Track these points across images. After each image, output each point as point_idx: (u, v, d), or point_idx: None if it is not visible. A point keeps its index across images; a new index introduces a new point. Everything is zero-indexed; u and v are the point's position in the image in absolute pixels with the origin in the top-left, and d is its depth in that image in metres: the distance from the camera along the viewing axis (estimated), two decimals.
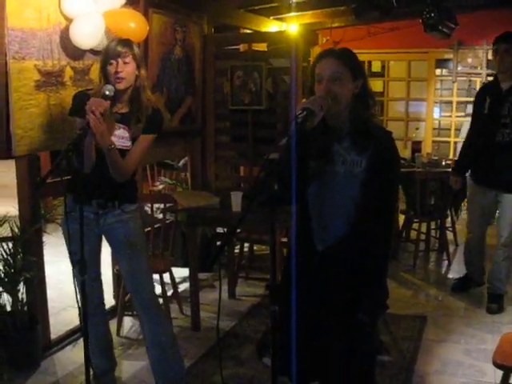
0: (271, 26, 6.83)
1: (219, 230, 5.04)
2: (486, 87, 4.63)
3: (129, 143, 2.84)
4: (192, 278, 4.08)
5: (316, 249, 2.27)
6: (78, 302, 2.52)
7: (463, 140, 4.83)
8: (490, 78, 7.35)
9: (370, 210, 2.17)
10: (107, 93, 2.66)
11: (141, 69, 2.81)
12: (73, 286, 2.55)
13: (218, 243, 5.12)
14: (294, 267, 2.21)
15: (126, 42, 2.79)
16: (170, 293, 4.27)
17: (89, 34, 3.43)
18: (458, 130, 8.20)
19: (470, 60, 7.65)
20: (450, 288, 4.86)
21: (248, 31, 6.42)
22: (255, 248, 5.40)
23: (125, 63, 2.73)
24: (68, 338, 3.84)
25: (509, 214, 4.27)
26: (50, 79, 3.49)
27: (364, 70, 2.24)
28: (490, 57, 7.42)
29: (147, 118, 2.85)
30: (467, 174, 4.67)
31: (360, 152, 2.15)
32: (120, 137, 2.82)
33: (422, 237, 5.71)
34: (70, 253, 2.86)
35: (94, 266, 2.99)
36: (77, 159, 2.48)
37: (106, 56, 2.75)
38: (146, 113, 2.83)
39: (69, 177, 3.01)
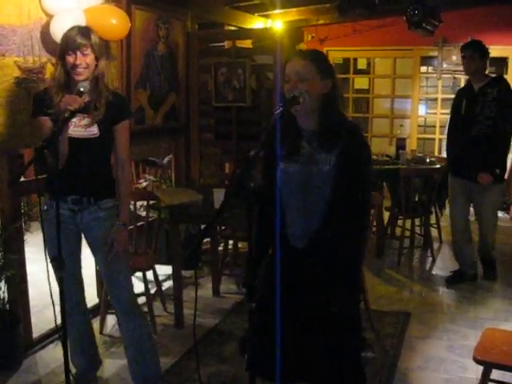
0: (256, 22, 6.81)
1: (203, 227, 5.02)
2: (462, 89, 4.93)
3: (95, 130, 2.81)
4: (175, 275, 4.06)
5: (292, 246, 2.28)
6: (52, 301, 2.53)
7: (446, 142, 5.11)
8: None
9: (342, 207, 2.19)
10: (82, 89, 2.65)
11: (100, 58, 2.80)
12: (55, 284, 2.53)
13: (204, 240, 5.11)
14: (277, 265, 2.21)
15: (85, 32, 2.76)
16: (153, 290, 4.25)
17: None
18: (443, 127, 8.23)
19: (454, 57, 7.67)
20: (445, 280, 4.94)
21: (232, 28, 6.40)
22: (240, 245, 5.39)
23: (84, 55, 2.72)
24: (50, 336, 3.81)
25: (485, 201, 4.68)
26: (30, 76, 3.46)
27: (333, 71, 2.25)
28: None
29: (115, 106, 2.84)
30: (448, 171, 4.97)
31: (328, 150, 2.18)
32: (85, 126, 2.80)
33: (407, 233, 5.72)
34: (48, 252, 2.81)
35: (72, 264, 2.94)
36: (52, 156, 2.46)
37: (66, 46, 2.73)
38: (106, 100, 2.81)
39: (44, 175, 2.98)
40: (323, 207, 2.22)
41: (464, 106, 4.62)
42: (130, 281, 3.07)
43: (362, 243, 2.33)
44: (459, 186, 4.78)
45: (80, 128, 2.79)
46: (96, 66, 2.78)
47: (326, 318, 2.24)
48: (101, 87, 2.82)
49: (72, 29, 2.79)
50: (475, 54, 4.50)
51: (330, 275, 2.23)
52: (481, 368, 2.65)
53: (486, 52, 4.57)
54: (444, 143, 7.89)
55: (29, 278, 3.69)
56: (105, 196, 2.93)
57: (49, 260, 2.82)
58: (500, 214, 6.02)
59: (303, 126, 2.25)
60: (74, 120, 2.71)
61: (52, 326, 3.78)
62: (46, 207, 2.84)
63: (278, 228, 2.23)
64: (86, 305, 3.18)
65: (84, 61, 2.72)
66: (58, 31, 3.38)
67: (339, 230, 2.21)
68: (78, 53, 2.70)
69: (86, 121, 2.80)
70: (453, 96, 8.07)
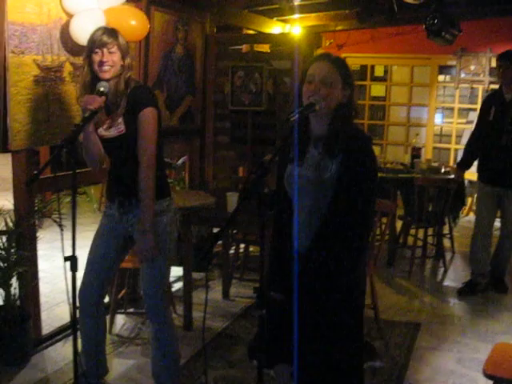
0: (274, 27, 6.82)
1: (216, 229, 5.03)
2: (491, 96, 4.93)
3: (122, 127, 2.79)
4: (186, 277, 4.07)
5: (297, 251, 2.29)
6: (68, 297, 2.49)
7: (468, 140, 5.23)
8: (493, 86, 7.42)
9: (340, 215, 2.16)
10: (102, 89, 2.65)
11: (126, 58, 2.79)
12: (72, 279, 2.50)
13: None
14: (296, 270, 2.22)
15: (112, 32, 2.77)
16: None
17: (89, 30, 3.38)
18: (459, 136, 8.19)
19: (472, 67, 7.64)
20: (457, 292, 4.91)
21: (251, 32, 6.41)
22: (251, 249, 5.38)
23: (110, 53, 2.72)
24: (60, 333, 3.82)
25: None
26: (49, 74, 3.49)
27: (354, 83, 2.24)
28: (493, 64, 7.44)
29: (133, 97, 2.77)
30: (476, 178, 5.09)
31: (331, 157, 2.16)
32: (111, 125, 2.80)
33: (419, 243, 5.69)
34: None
35: (101, 264, 2.94)
36: (70, 156, 2.46)
37: (92, 44, 2.73)
38: (126, 94, 2.77)
39: (65, 172, 3.00)
40: (324, 213, 2.20)
41: (493, 113, 4.68)
42: (163, 287, 3.00)
43: (358, 254, 2.26)
44: (488, 194, 4.81)
45: (110, 128, 2.80)
46: (122, 65, 2.77)
47: (324, 325, 2.25)
48: (123, 87, 2.77)
49: (98, 29, 2.80)
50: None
51: (327, 282, 2.22)
52: (490, 382, 2.62)
53: None
54: (459, 153, 7.88)
55: (41, 274, 3.71)
56: None
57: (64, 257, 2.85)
58: None
59: (314, 130, 2.24)
60: (107, 121, 2.77)
61: (62, 323, 3.84)
62: (105, 210, 2.99)
63: (296, 233, 2.23)
64: (102, 306, 3.09)
65: (110, 58, 2.71)
66: (77, 31, 3.42)
67: (337, 236, 2.19)
68: (105, 50, 2.71)
69: (110, 120, 2.81)
70: (471, 106, 8.17)
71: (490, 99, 4.86)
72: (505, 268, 5.01)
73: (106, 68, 2.71)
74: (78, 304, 2.63)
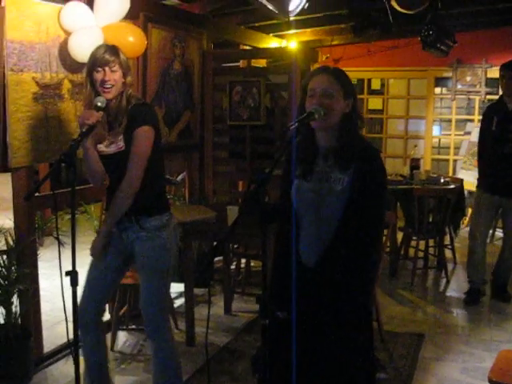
0: (271, 42, 6.87)
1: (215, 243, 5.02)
2: (492, 107, 4.97)
3: (121, 144, 2.80)
4: (187, 293, 4.05)
5: (304, 264, 2.25)
6: (66, 318, 2.48)
7: (466, 156, 5.25)
8: (489, 97, 7.46)
9: (353, 228, 2.15)
10: (99, 104, 2.65)
11: (127, 76, 2.79)
12: (70, 299, 2.47)
13: (216, 259, 5.10)
14: (293, 281, 2.20)
15: (114, 50, 2.77)
16: None
17: (87, 47, 3.41)
18: (457, 148, 8.21)
19: (468, 78, 7.69)
20: (463, 302, 4.90)
21: (248, 47, 6.45)
22: (252, 264, 5.37)
23: (112, 71, 2.73)
24: (61, 351, 3.80)
25: None
26: (47, 92, 3.50)
27: (355, 91, 2.25)
28: (489, 75, 7.50)
29: (132, 114, 2.78)
30: (475, 186, 5.07)
31: (342, 170, 2.16)
32: (111, 142, 2.81)
33: (421, 254, 5.68)
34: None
35: (101, 280, 2.93)
36: (69, 171, 2.45)
37: (94, 62, 2.73)
38: (125, 111, 2.77)
39: (65, 189, 2.99)
40: (334, 227, 2.19)
41: (495, 123, 4.71)
42: (158, 302, 2.95)
43: (372, 266, 2.29)
44: (488, 202, 4.80)
45: (111, 145, 2.81)
46: (123, 83, 2.78)
47: (336, 338, 2.21)
48: (125, 104, 2.78)
49: (100, 47, 2.82)
50: None
51: (338, 297, 2.19)
52: None
53: None
54: (458, 164, 7.91)
55: (42, 293, 3.70)
56: (146, 214, 2.83)
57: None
58: None
59: (321, 142, 2.24)
60: (108, 138, 2.78)
61: (63, 341, 3.81)
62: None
63: (294, 246, 2.21)
64: (102, 323, 3.08)
65: (112, 77, 2.72)
66: (75, 48, 3.44)
67: (349, 250, 2.17)
68: (107, 69, 2.71)
69: (110, 137, 2.82)
70: (468, 117, 8.21)
71: (492, 109, 4.89)
72: (508, 277, 5.00)
73: (107, 86, 2.72)
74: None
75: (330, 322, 2.21)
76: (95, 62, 2.73)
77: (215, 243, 4.96)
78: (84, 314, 2.91)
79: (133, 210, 2.80)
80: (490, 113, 4.86)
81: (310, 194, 2.22)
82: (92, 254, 2.88)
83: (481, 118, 5.14)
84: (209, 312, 2.43)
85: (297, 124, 2.01)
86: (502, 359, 2.71)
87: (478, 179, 5.04)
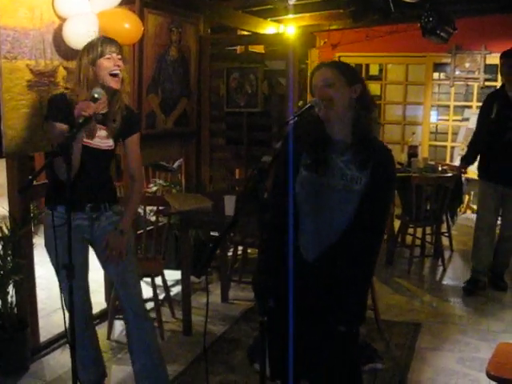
0: (269, 27, 6.79)
1: (213, 232, 5.00)
2: (493, 95, 4.93)
3: (111, 142, 2.83)
4: (184, 281, 4.03)
5: (304, 259, 2.24)
6: (62, 306, 2.51)
7: (463, 142, 5.25)
8: (488, 83, 7.42)
9: (362, 226, 2.15)
10: (96, 95, 2.59)
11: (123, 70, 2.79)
12: (68, 287, 2.44)
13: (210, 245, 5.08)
14: (290, 275, 2.18)
15: (117, 43, 2.76)
16: (161, 296, 4.23)
17: (82, 34, 3.37)
18: (455, 134, 8.18)
19: (467, 64, 7.63)
20: (463, 291, 4.89)
21: (245, 32, 6.38)
22: (249, 251, 5.36)
23: (120, 59, 2.71)
24: (58, 341, 3.80)
25: None
26: (42, 79, 3.45)
27: (360, 76, 2.24)
28: (487, 61, 7.44)
29: (127, 120, 2.84)
30: (477, 175, 5.08)
31: (360, 168, 2.13)
32: (102, 137, 2.79)
33: (418, 242, 5.68)
34: (56, 264, 2.83)
35: (83, 275, 2.96)
36: (65, 163, 2.40)
37: (102, 50, 2.66)
38: (122, 114, 2.81)
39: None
40: (344, 223, 2.17)
41: (495, 111, 4.66)
42: (139, 283, 3.05)
43: (374, 263, 2.31)
44: (491, 191, 4.80)
45: (98, 139, 2.78)
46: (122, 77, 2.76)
47: (331, 334, 2.22)
48: (123, 99, 2.80)
49: (100, 37, 2.82)
50: None
51: (337, 292, 2.19)
52: (493, 382, 2.59)
53: None
54: (456, 151, 7.87)
55: (37, 280, 3.69)
56: (114, 201, 2.98)
57: (54, 269, 2.87)
58: None
59: (332, 134, 2.18)
60: (101, 131, 2.77)
61: (60, 330, 3.80)
62: (61, 221, 2.57)
63: (291, 239, 2.18)
64: (92, 316, 3.15)
65: (121, 64, 2.71)
66: (70, 35, 3.38)
67: (355, 246, 2.17)
68: (115, 55, 2.68)
69: (103, 132, 2.79)
70: (466, 103, 8.16)
71: (492, 97, 4.85)
72: (505, 266, 5.00)
73: (117, 73, 2.68)
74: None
75: (328, 320, 2.22)
76: (103, 49, 2.66)
77: (213, 233, 4.96)
78: (77, 308, 2.91)
79: (105, 198, 2.90)
80: (490, 101, 4.80)
81: (321, 188, 2.17)
82: (117, 255, 2.86)
83: (479, 104, 5.10)
84: (207, 302, 2.41)
85: (296, 118, 1.97)
86: (500, 352, 2.70)
87: (479, 168, 5.01)
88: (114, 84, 2.70)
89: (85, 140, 2.72)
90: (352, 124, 2.15)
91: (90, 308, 3.08)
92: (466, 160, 5.16)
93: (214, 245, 1.82)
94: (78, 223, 2.83)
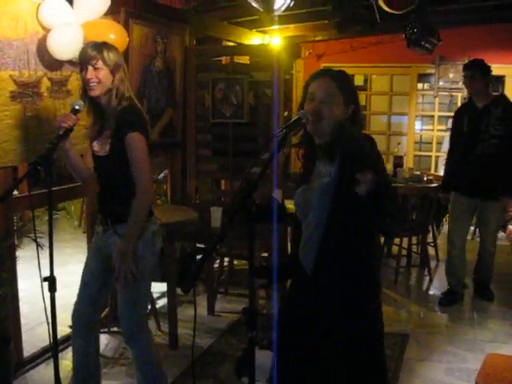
0: (254, 38, 6.80)
1: (199, 244, 4.96)
2: (463, 107, 4.95)
3: (107, 148, 2.75)
4: (170, 293, 3.99)
5: (303, 271, 2.18)
6: (47, 318, 2.45)
7: (446, 158, 5.17)
8: None
9: (343, 224, 2.05)
10: (77, 107, 2.62)
11: (116, 73, 2.69)
12: (50, 300, 2.44)
13: (198, 257, 5.04)
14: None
15: (96, 46, 2.69)
16: None
17: (67, 44, 3.35)
18: (439, 143, 8.23)
19: (451, 75, 7.69)
20: (438, 303, 4.87)
21: (230, 43, 6.38)
22: (235, 263, 5.33)
23: (95, 69, 2.66)
24: (42, 355, 3.73)
25: (491, 218, 4.71)
26: (26, 90, 3.41)
27: (357, 96, 2.16)
28: None
29: (120, 121, 2.70)
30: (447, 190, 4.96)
31: (331, 161, 2.08)
32: (101, 144, 2.77)
33: (404, 252, 5.68)
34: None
35: (90, 283, 2.89)
36: (45, 173, 2.38)
37: (80, 62, 2.71)
38: (114, 113, 2.71)
39: (42, 190, 2.91)
40: (323, 226, 2.09)
41: (466, 124, 4.64)
42: (131, 309, 2.85)
43: (370, 268, 2.19)
44: (464, 205, 4.74)
45: (102, 146, 2.78)
46: (112, 80, 2.69)
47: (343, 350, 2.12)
48: (113, 104, 2.71)
49: (86, 44, 2.78)
50: (476, 73, 4.56)
51: (334, 302, 2.10)
52: None
53: (487, 71, 4.60)
54: (440, 160, 7.91)
55: (21, 294, 3.62)
56: (120, 220, 2.74)
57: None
58: None
59: (318, 144, 2.16)
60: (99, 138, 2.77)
61: (44, 344, 3.74)
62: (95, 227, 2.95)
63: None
64: (96, 328, 3.02)
65: (95, 75, 2.65)
66: (55, 45, 3.35)
67: (340, 253, 2.08)
68: (89, 67, 2.65)
69: (102, 138, 2.79)
70: (450, 114, 8.20)
71: (462, 110, 4.86)
72: (489, 276, 5.00)
73: (91, 85, 2.66)
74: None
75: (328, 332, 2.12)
76: (80, 61, 2.70)
77: (199, 245, 4.92)
78: (78, 317, 2.88)
79: (109, 214, 2.79)
80: (461, 113, 4.80)
81: (307, 194, 2.16)
82: (123, 277, 2.67)
83: (451, 119, 5.11)
84: (195, 315, 2.36)
85: (284, 131, 1.94)
86: (488, 364, 2.70)
87: (444, 181, 4.99)
88: (90, 92, 2.69)
89: (93, 148, 2.80)
90: (329, 141, 2.09)
91: (89, 315, 2.91)
92: (447, 187, 4.95)
93: (201, 258, 1.79)
94: (98, 230, 2.88)
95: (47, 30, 3.40)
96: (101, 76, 2.67)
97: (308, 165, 2.17)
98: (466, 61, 7.41)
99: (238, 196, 1.79)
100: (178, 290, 4.14)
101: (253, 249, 1.94)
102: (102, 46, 2.70)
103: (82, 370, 2.96)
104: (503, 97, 4.80)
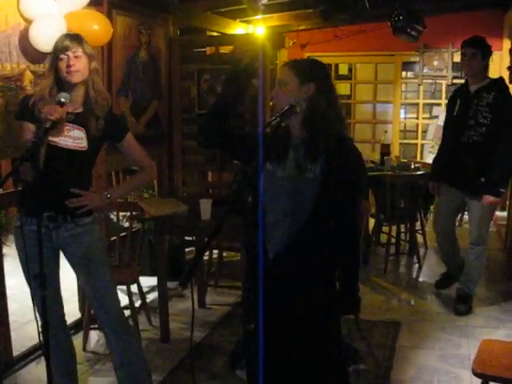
0: (238, 28, 6.74)
1: (188, 237, 4.92)
2: (457, 90, 4.53)
3: (84, 143, 2.68)
4: (161, 287, 3.94)
5: (267, 256, 2.26)
6: (36, 319, 2.39)
7: (433, 140, 4.95)
8: (456, 81, 7.46)
9: (326, 216, 2.21)
10: (62, 100, 2.53)
11: (92, 63, 2.69)
12: (41, 298, 2.37)
13: (188, 250, 5.00)
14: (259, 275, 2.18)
15: (76, 37, 2.67)
16: (137, 303, 4.13)
17: (49, 36, 3.25)
18: (424, 131, 8.25)
19: (435, 63, 7.70)
20: (434, 285, 4.86)
21: (214, 33, 6.32)
22: (224, 255, 5.29)
23: (76, 57, 2.61)
24: (32, 354, 3.67)
25: (476, 214, 4.31)
26: (8, 83, 3.33)
27: (315, 75, 2.22)
28: (455, 59, 7.49)
29: (113, 124, 2.76)
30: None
31: (314, 159, 2.16)
32: (75, 138, 2.66)
33: (393, 240, 5.69)
34: (26, 270, 2.64)
35: (52, 281, 2.79)
36: (32, 168, 2.33)
37: (57, 51, 2.63)
38: (103, 110, 2.71)
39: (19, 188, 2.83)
40: (307, 216, 2.20)
41: (457, 107, 4.25)
42: (116, 294, 2.91)
43: (358, 251, 2.40)
44: (448, 194, 4.44)
45: (68, 138, 2.65)
46: (89, 70, 2.67)
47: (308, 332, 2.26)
48: (92, 95, 2.69)
49: (61, 36, 2.70)
50: (478, 52, 4.09)
51: (303, 285, 2.24)
52: (475, 379, 2.59)
53: (489, 51, 4.18)
54: (425, 148, 7.94)
55: (8, 292, 3.55)
56: (82, 214, 2.74)
57: (26, 278, 2.70)
58: None
59: (293, 131, 2.26)
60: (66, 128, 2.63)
61: (33, 342, 3.68)
62: (19, 223, 2.63)
63: (261, 237, 2.19)
64: (66, 323, 3.01)
65: (77, 62, 2.61)
66: (37, 37, 3.27)
67: (319, 238, 2.23)
68: (70, 54, 2.60)
69: (77, 133, 2.67)
70: (434, 101, 8.23)
71: (456, 93, 4.45)
72: (473, 284, 4.48)
73: (73, 70, 2.60)
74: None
75: (296, 313, 2.28)
76: (58, 50, 2.63)
77: (193, 238, 4.87)
78: (51, 316, 2.81)
79: (68, 209, 2.69)
80: (454, 97, 4.41)
81: (283, 182, 2.22)
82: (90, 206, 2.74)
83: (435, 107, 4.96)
84: (193, 308, 2.33)
85: (278, 119, 1.95)
86: (483, 350, 2.69)
87: (432, 170, 4.68)
88: (71, 78, 2.62)
89: (50, 138, 2.56)
90: (302, 120, 2.19)
91: (59, 312, 2.89)
92: (435, 175, 4.60)
93: (199, 252, 1.78)
94: (34, 229, 2.51)
95: (29, 22, 3.32)
96: (81, 65, 2.64)
97: (280, 149, 2.23)
98: (450, 48, 7.51)
99: (234, 185, 1.78)
100: (169, 284, 4.10)
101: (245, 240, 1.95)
102: (80, 37, 2.70)
103: (64, 364, 2.94)
104: (498, 81, 4.21)
